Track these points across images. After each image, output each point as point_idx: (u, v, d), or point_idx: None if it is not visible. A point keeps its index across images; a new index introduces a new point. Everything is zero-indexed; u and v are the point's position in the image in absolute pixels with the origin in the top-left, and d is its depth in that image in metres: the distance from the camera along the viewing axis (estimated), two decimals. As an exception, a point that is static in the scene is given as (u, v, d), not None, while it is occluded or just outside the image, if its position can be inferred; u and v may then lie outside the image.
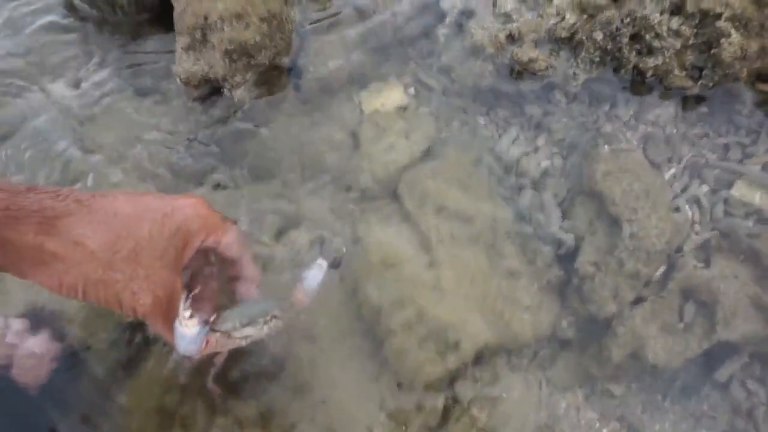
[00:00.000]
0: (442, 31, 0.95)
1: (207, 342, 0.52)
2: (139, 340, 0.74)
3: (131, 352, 0.73)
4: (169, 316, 0.50)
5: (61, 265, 0.45)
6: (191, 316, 0.50)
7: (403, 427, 0.73)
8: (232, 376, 0.71)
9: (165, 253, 0.48)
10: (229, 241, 0.54)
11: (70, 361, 0.74)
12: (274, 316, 0.58)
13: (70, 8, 1.08)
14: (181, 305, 0.51)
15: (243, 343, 0.57)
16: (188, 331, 0.50)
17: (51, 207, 0.45)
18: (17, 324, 0.77)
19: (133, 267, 0.46)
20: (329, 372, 0.75)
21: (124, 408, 0.70)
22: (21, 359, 0.76)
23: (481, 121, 0.91)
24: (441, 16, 0.96)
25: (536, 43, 0.87)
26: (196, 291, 0.53)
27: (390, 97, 0.94)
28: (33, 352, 0.76)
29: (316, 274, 0.62)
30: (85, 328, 0.75)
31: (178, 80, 0.91)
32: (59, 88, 1.00)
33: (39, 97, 0.99)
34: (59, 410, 0.71)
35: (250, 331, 0.56)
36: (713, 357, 0.74)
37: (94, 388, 0.72)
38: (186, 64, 0.89)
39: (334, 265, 0.77)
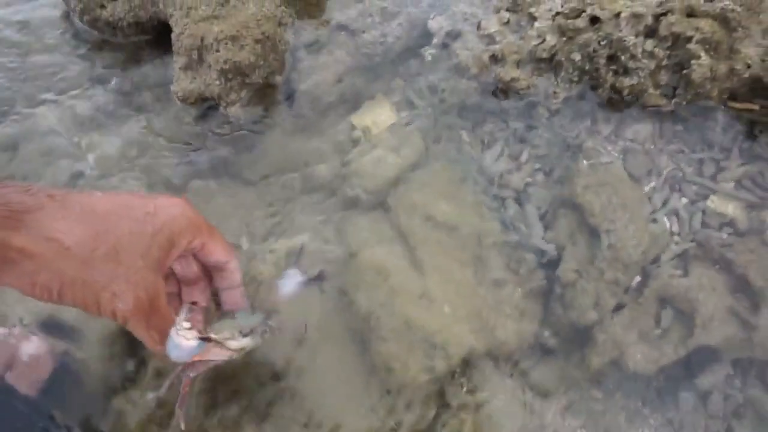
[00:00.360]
0: (429, 52, 0.99)
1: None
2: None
3: (128, 352, 0.75)
4: (152, 320, 0.47)
5: (31, 264, 0.41)
6: (191, 328, 0.49)
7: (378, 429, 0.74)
8: (223, 381, 0.73)
9: (147, 252, 0.45)
10: (215, 245, 0.52)
11: (67, 362, 0.76)
12: (270, 327, 0.59)
13: (72, 30, 1.12)
14: (181, 315, 0.50)
15: (235, 355, 0.55)
16: (187, 343, 0.49)
17: (19, 201, 0.41)
18: (17, 329, 0.79)
19: (113, 266, 0.43)
20: (318, 378, 0.77)
21: (121, 410, 0.71)
22: (21, 363, 0.77)
23: (467, 136, 0.95)
24: (428, 37, 1.01)
25: (518, 64, 0.91)
26: (197, 302, 0.54)
27: (380, 113, 0.98)
28: (32, 356, 0.78)
29: (287, 284, 0.62)
30: (81, 328, 0.77)
31: (176, 98, 0.95)
32: (60, 107, 1.03)
33: (40, 116, 1.02)
34: (59, 412, 0.72)
35: (247, 342, 0.55)
36: (691, 364, 0.77)
37: (91, 390, 0.74)
38: (183, 83, 0.93)
39: (318, 278, 0.77)
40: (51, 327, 0.80)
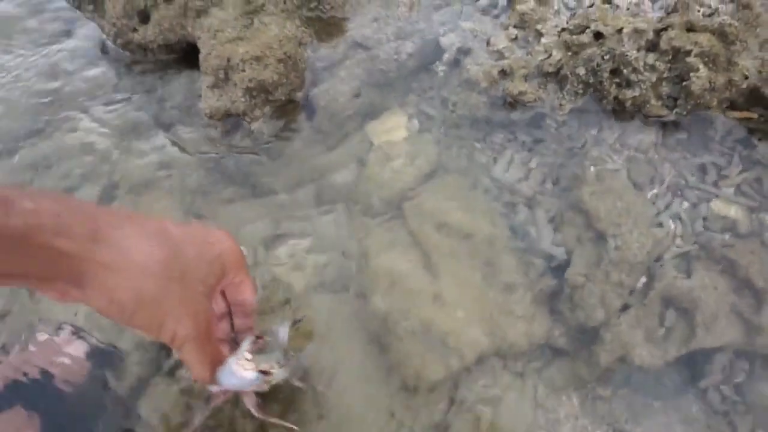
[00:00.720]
0: (441, 67, 1.05)
1: None
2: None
3: (158, 354, 0.81)
4: (206, 347, 0.47)
5: (113, 279, 0.41)
6: (251, 359, 0.50)
7: (409, 428, 0.79)
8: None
9: (206, 278, 0.47)
10: (249, 284, 0.54)
11: (103, 362, 0.81)
12: (295, 357, 0.59)
13: (104, 51, 1.20)
14: (244, 345, 0.50)
15: (266, 386, 0.55)
16: (245, 374, 0.49)
17: (104, 219, 0.43)
18: (65, 332, 0.85)
19: (180, 288, 0.44)
20: (337, 376, 0.81)
21: (154, 409, 0.76)
22: (62, 363, 0.83)
23: (478, 146, 1.00)
24: (440, 53, 1.07)
25: (526, 78, 0.96)
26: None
27: (395, 126, 1.03)
28: (72, 356, 0.84)
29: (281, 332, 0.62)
30: (112, 329, 0.83)
31: (204, 114, 1.01)
32: (94, 123, 1.11)
33: (75, 134, 1.09)
34: (96, 411, 0.78)
35: (282, 374, 0.55)
36: (695, 361, 0.80)
37: (125, 389, 0.79)
38: (211, 101, 0.99)
39: (299, 321, 0.77)
40: (91, 332, 0.86)
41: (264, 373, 0.53)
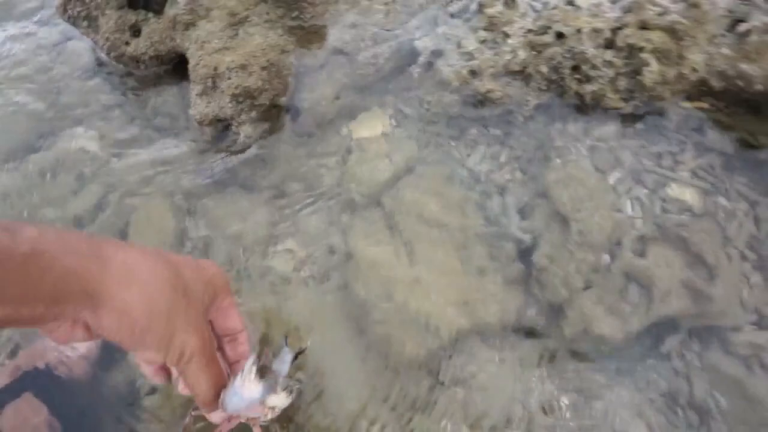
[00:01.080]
0: (416, 69, 1.12)
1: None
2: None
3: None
4: (210, 364, 0.47)
5: (124, 295, 0.42)
6: (256, 380, 0.49)
7: (392, 405, 0.85)
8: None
9: (203, 298, 0.48)
10: (235, 311, 0.54)
11: (108, 358, 0.87)
12: (298, 383, 0.58)
13: (99, 64, 1.26)
14: (249, 363, 0.49)
15: (270, 414, 0.54)
16: (249, 393, 0.48)
17: (106, 242, 0.43)
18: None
19: (186, 304, 0.45)
20: (323, 360, 0.87)
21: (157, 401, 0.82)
22: (70, 360, 0.89)
23: (453, 142, 1.06)
24: (415, 56, 1.13)
25: (494, 76, 1.03)
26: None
27: (374, 125, 1.10)
28: (80, 354, 0.89)
29: (284, 362, 0.58)
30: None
31: (194, 120, 1.08)
32: (90, 133, 1.17)
33: (73, 142, 1.16)
34: (102, 404, 0.84)
35: (284, 399, 0.54)
36: (654, 331, 0.86)
37: (128, 382, 0.85)
38: (200, 107, 1.06)
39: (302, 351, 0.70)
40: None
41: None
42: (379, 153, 1.05)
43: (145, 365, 0.50)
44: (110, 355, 0.89)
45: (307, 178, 1.03)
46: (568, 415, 0.84)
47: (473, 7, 1.18)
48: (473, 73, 1.04)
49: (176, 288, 0.45)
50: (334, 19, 1.20)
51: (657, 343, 0.86)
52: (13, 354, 0.92)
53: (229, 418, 0.53)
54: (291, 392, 0.53)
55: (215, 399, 0.48)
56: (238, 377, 0.49)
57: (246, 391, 0.48)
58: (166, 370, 0.51)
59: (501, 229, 0.95)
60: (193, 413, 0.56)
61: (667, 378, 0.84)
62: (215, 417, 0.51)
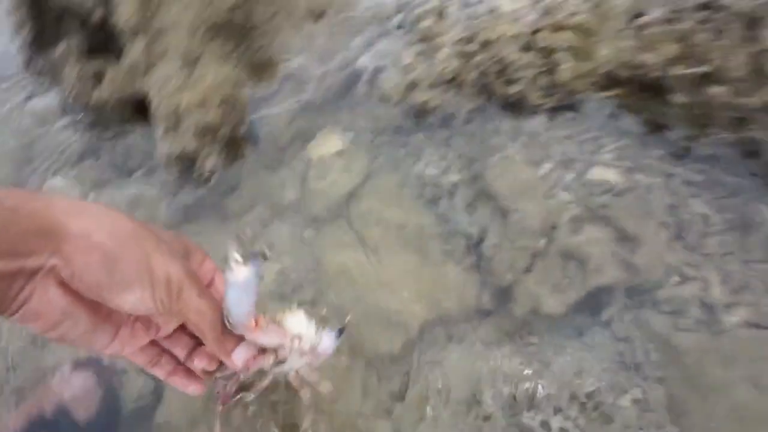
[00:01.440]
0: (362, 87, 1.21)
1: (256, 323, 0.47)
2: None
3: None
4: (202, 288, 0.45)
5: (90, 230, 0.39)
6: (240, 260, 0.44)
7: (374, 399, 0.95)
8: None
9: (172, 244, 0.45)
10: (211, 262, 0.53)
11: (111, 385, 0.96)
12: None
13: (66, 113, 1.34)
14: (230, 253, 0.44)
15: (297, 345, 0.51)
16: (246, 274, 0.43)
17: (66, 200, 0.41)
18: (66, 368, 0.99)
19: (158, 240, 0.42)
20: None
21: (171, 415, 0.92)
22: (72, 396, 0.96)
23: (402, 151, 1.16)
24: (359, 74, 1.23)
25: (431, 86, 1.13)
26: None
27: (329, 143, 1.20)
28: (81, 387, 0.97)
29: (326, 341, 0.55)
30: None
31: (160, 159, 1.17)
32: (65, 178, 1.25)
33: (48, 188, 1.23)
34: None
35: (307, 323, 0.50)
36: (594, 301, 0.98)
37: (137, 404, 0.94)
38: (165, 146, 1.14)
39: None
40: (93, 363, 1.00)
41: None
42: (336, 168, 1.15)
43: (133, 354, 0.48)
44: (115, 379, 0.98)
45: (272, 200, 1.12)
46: (531, 384, 0.96)
47: (409, 21, 1.28)
48: (412, 84, 1.14)
49: (134, 220, 0.42)
50: (282, 48, 1.29)
51: (598, 311, 0.97)
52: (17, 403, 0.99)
53: (254, 356, 0.48)
54: (311, 319, 0.48)
55: (223, 324, 0.45)
56: (226, 272, 0.44)
57: (240, 276, 0.43)
58: (157, 347, 0.50)
59: (452, 225, 1.06)
60: (217, 376, 0.52)
61: (612, 341, 0.95)
62: (237, 357, 0.46)
